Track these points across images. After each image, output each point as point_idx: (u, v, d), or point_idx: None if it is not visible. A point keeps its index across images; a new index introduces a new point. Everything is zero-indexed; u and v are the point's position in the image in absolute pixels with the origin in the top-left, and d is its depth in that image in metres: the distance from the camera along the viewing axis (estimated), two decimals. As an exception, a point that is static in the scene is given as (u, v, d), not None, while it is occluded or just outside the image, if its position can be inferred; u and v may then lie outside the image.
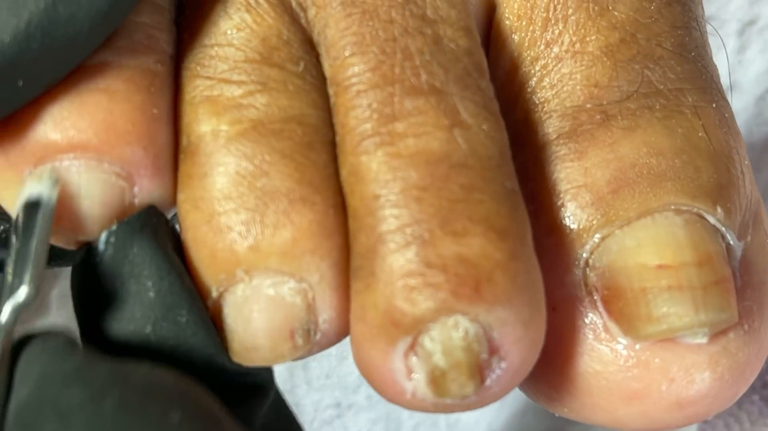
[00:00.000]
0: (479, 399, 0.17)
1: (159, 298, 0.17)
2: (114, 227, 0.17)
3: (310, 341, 0.18)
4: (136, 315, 0.17)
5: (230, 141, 0.17)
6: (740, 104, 0.30)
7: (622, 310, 0.18)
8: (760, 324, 0.18)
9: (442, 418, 0.34)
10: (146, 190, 0.18)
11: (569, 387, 0.18)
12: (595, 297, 0.18)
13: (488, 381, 0.17)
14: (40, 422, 0.14)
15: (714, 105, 0.19)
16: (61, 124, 0.17)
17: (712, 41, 0.28)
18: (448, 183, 0.17)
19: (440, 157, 0.17)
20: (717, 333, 0.18)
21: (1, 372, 0.16)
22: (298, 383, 0.33)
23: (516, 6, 0.19)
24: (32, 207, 0.17)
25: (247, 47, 0.18)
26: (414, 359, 0.17)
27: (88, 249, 0.18)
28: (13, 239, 0.17)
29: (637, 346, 0.18)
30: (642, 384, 0.18)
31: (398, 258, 0.16)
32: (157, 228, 0.18)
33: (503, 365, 0.17)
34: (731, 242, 0.18)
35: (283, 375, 0.31)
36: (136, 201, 0.18)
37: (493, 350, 0.17)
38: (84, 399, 0.14)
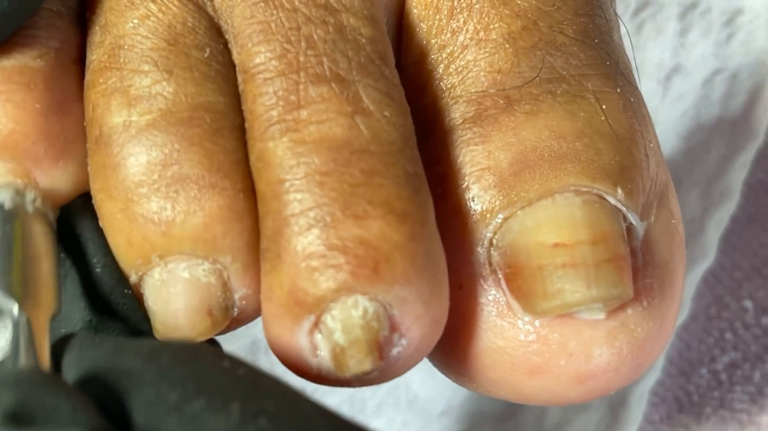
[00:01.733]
0: (381, 373, 0.18)
1: (105, 273, 0.19)
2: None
3: (228, 317, 0.19)
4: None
5: (141, 131, 0.18)
6: (687, 86, 0.30)
7: (521, 287, 0.18)
8: (660, 301, 0.19)
9: (402, 396, 0.35)
10: (47, 181, 0.18)
11: (476, 363, 0.19)
12: (498, 276, 0.18)
13: (391, 357, 0.17)
14: (105, 380, 0.15)
15: (618, 90, 0.19)
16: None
17: (652, 24, 0.28)
18: (350, 168, 0.17)
19: (342, 143, 0.17)
20: (615, 310, 0.18)
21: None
22: (263, 368, 0.33)
23: None
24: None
25: (154, 36, 0.19)
26: (318, 336, 0.17)
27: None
28: None
29: (537, 322, 0.18)
30: (542, 358, 0.18)
31: (301, 240, 0.17)
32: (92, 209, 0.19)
33: (404, 341, 0.18)
34: (633, 222, 0.19)
35: (247, 360, 0.31)
36: (40, 193, 0.18)
37: (393, 327, 0.17)
38: (143, 361, 0.15)
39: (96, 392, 0.15)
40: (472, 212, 0.19)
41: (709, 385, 0.36)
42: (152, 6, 0.19)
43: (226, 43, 0.19)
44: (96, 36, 0.19)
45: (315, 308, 0.17)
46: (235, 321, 0.19)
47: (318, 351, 0.17)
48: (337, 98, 0.18)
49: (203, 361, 0.15)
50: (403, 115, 0.18)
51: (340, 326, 0.17)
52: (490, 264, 0.18)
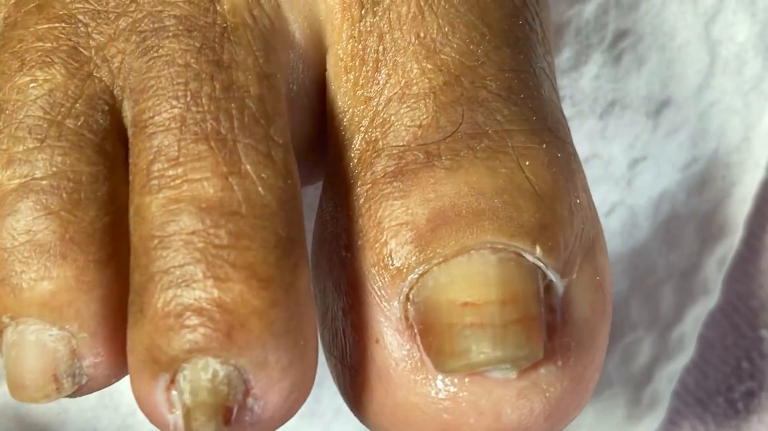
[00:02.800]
0: None
1: None
2: None
3: (75, 383, 0.19)
4: None
5: (6, 195, 0.18)
6: (680, 120, 0.29)
7: (432, 344, 0.18)
8: (577, 359, 0.19)
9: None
10: None
11: (391, 417, 0.19)
12: (414, 331, 0.18)
13: (245, 422, 0.18)
14: None
15: (544, 146, 0.19)
16: None
17: (634, 54, 0.27)
18: (218, 229, 0.17)
19: (214, 204, 0.18)
20: (527, 369, 0.18)
21: None
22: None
23: (349, 47, 0.20)
24: None
25: (33, 103, 0.19)
26: (174, 394, 0.18)
27: None
28: None
29: (448, 380, 0.18)
30: (453, 416, 0.18)
31: (162, 297, 0.17)
32: None
33: (259, 407, 0.18)
34: (553, 279, 0.18)
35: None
36: None
37: (248, 392, 0.17)
38: None
39: None
40: (390, 266, 0.18)
41: (725, 414, 0.36)
42: (38, 73, 0.19)
43: (108, 111, 0.19)
44: None
45: (169, 367, 0.17)
46: (86, 388, 0.19)
47: (174, 410, 0.18)
48: (214, 157, 0.18)
49: None
50: (283, 177, 0.18)
51: (189, 387, 0.17)
52: (407, 319, 0.18)
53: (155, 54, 0.19)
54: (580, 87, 0.27)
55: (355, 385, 0.19)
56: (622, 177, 0.30)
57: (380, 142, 0.19)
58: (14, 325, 0.18)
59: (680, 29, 0.28)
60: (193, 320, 0.17)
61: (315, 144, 0.21)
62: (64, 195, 0.18)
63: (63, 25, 0.19)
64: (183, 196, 0.18)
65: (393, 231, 0.18)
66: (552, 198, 0.18)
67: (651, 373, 0.32)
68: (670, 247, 0.31)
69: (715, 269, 0.32)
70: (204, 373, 0.17)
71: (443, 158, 0.18)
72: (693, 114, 0.29)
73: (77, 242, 0.18)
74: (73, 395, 0.19)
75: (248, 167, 0.18)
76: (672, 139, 0.29)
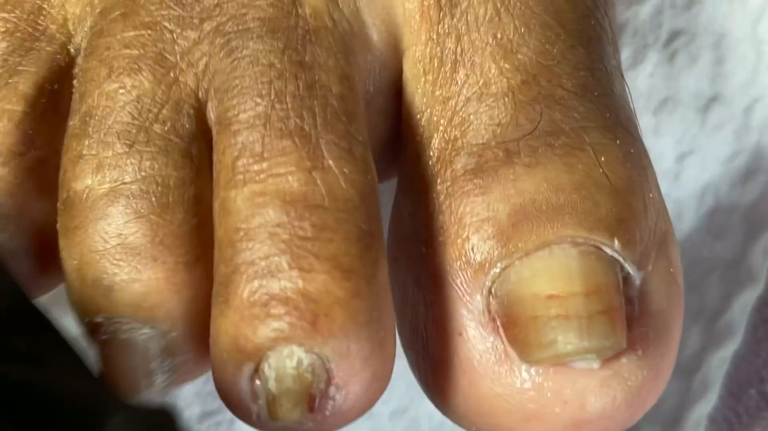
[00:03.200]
0: (317, 425, 0.18)
1: None
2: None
3: (168, 379, 0.19)
4: None
5: (97, 200, 0.19)
6: (726, 115, 0.30)
7: (517, 336, 0.18)
8: (655, 349, 0.19)
9: (423, 418, 0.35)
10: None
11: (475, 408, 0.19)
12: (497, 324, 0.19)
13: (327, 409, 0.18)
14: None
15: (618, 142, 0.19)
16: None
17: (687, 53, 0.28)
18: (302, 221, 0.18)
19: (297, 197, 0.18)
20: (610, 359, 0.18)
21: None
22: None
23: (428, 49, 0.20)
24: None
25: (121, 109, 0.19)
26: (258, 383, 0.18)
27: None
28: None
29: (533, 370, 0.18)
30: (538, 405, 0.18)
31: (248, 287, 0.18)
32: None
33: (340, 396, 0.18)
34: (630, 272, 0.19)
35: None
36: None
37: (330, 380, 0.18)
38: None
39: None
40: (472, 261, 0.19)
41: (758, 406, 0.36)
42: (126, 80, 0.19)
43: (194, 115, 0.19)
44: (75, 103, 0.20)
45: (254, 356, 0.18)
46: (176, 382, 0.20)
47: (258, 399, 0.18)
48: (298, 152, 0.18)
49: None
50: (363, 172, 0.19)
51: (274, 375, 0.18)
52: (489, 312, 0.19)
53: (240, 54, 0.19)
54: (636, 85, 0.27)
55: (437, 378, 0.20)
56: (670, 171, 0.30)
57: (460, 141, 0.19)
58: (107, 325, 0.19)
59: (730, 29, 0.28)
60: (279, 309, 0.17)
61: (388, 145, 0.21)
62: (153, 199, 0.19)
63: (149, 32, 0.20)
64: (268, 190, 0.18)
65: (474, 227, 0.19)
66: (627, 192, 0.19)
67: (700, 361, 0.32)
68: (714, 238, 0.32)
69: (761, 258, 0.32)
70: (289, 361, 0.17)
71: (522, 155, 0.19)
72: (738, 109, 0.30)
73: (167, 245, 0.19)
74: (167, 390, 0.20)
75: (331, 162, 0.18)
76: (717, 133, 0.30)
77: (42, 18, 0.21)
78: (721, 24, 0.28)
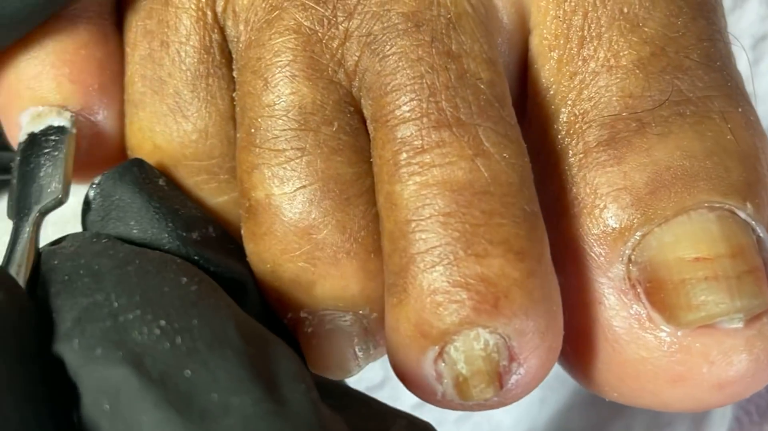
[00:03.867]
0: (501, 400, 0.19)
1: (141, 233, 0.20)
2: (98, 179, 0.20)
3: (370, 356, 0.20)
4: (125, 251, 0.19)
5: (281, 205, 0.19)
6: (759, 113, 0.31)
7: (664, 300, 0.18)
8: None
9: (484, 422, 0.35)
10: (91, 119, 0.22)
11: (618, 373, 0.19)
12: (638, 290, 0.19)
13: (509, 384, 0.18)
14: (78, 278, 0.16)
15: (740, 109, 0.20)
16: (63, 89, 0.21)
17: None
18: (471, 209, 0.18)
19: (464, 185, 0.18)
20: (752, 318, 0.18)
21: (28, 250, 0.19)
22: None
23: (553, 27, 0.20)
24: (58, 131, 0.20)
25: (286, 116, 0.20)
26: (442, 365, 0.18)
27: (85, 199, 0.20)
28: (41, 160, 0.20)
29: (679, 333, 0.18)
30: (685, 367, 0.19)
31: (426, 276, 0.18)
32: (137, 175, 0.20)
33: (522, 370, 0.18)
34: (761, 235, 0.19)
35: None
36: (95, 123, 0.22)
37: (512, 357, 0.18)
38: (112, 265, 0.16)
39: (59, 274, 0.17)
40: (610, 230, 0.19)
41: None
42: (283, 89, 0.20)
43: (354, 111, 0.20)
44: (238, 117, 0.21)
45: (439, 340, 0.18)
46: (377, 356, 0.21)
47: (442, 379, 0.18)
48: (458, 142, 0.18)
49: (161, 276, 0.16)
50: (521, 155, 0.19)
51: (463, 357, 0.18)
52: (630, 279, 0.19)
53: (388, 51, 0.19)
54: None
55: (575, 347, 0.20)
56: None
57: (590, 113, 0.20)
58: (311, 318, 0.20)
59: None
60: (462, 295, 0.18)
61: None
62: (335, 196, 0.19)
63: (295, 36, 0.20)
64: (434, 181, 0.18)
65: (612, 196, 0.19)
66: (754, 158, 0.19)
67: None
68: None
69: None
70: (476, 343, 0.18)
71: (654, 125, 0.19)
72: None
73: (355, 237, 0.19)
74: (367, 364, 0.20)
75: (491, 148, 0.19)
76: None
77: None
78: (765, 26, 0.29)
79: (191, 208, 0.21)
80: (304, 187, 0.19)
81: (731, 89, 0.20)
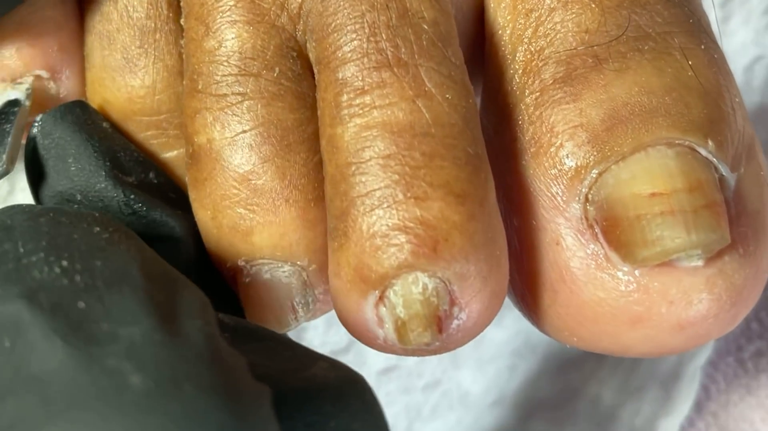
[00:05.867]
0: (443, 345, 0.18)
1: (79, 171, 0.20)
2: (39, 117, 0.20)
3: (310, 310, 0.20)
4: (64, 185, 0.20)
5: (221, 150, 0.19)
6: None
7: (620, 238, 0.18)
8: (755, 248, 0.18)
9: (454, 396, 0.34)
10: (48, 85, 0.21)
11: (576, 316, 0.18)
12: (595, 230, 0.18)
13: (451, 329, 0.18)
14: None
15: (702, 47, 0.19)
16: (23, 53, 0.21)
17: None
18: (412, 151, 0.17)
19: (404, 127, 0.17)
20: (713, 257, 0.18)
21: None
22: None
23: None
24: (12, 104, 0.21)
25: (227, 62, 0.19)
26: (383, 310, 0.18)
27: (26, 137, 0.21)
28: None
29: (637, 272, 0.18)
30: (643, 307, 0.18)
31: (366, 220, 0.17)
32: (79, 115, 0.20)
33: (463, 315, 0.18)
34: (724, 173, 0.18)
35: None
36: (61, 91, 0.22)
37: (453, 302, 0.17)
38: (24, 218, 0.16)
39: None
40: (566, 169, 0.18)
41: (735, 373, 0.36)
42: (225, 34, 0.19)
43: (297, 56, 0.19)
44: (184, 63, 0.20)
45: (379, 284, 0.17)
46: (318, 311, 0.20)
47: (383, 323, 0.18)
48: (398, 82, 0.18)
49: (73, 226, 0.16)
50: (465, 96, 0.18)
51: (402, 301, 0.17)
52: (587, 218, 0.18)
53: None
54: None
55: (533, 291, 0.19)
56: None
57: (546, 50, 0.19)
58: (248, 267, 0.19)
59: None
60: (400, 238, 0.17)
61: (468, 67, 0.20)
62: (275, 142, 0.19)
63: None
64: (374, 123, 0.18)
65: (568, 134, 0.18)
66: (716, 95, 0.18)
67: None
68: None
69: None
70: (415, 287, 0.17)
71: (611, 61, 0.18)
72: (740, 68, 0.30)
73: (295, 184, 0.19)
74: (308, 320, 0.20)
75: (432, 89, 0.18)
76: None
77: None
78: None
79: (135, 153, 0.21)
80: (244, 131, 0.19)
81: (693, 26, 0.19)
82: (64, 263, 0.15)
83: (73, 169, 0.20)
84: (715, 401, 0.35)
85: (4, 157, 0.20)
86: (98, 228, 0.16)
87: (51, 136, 0.20)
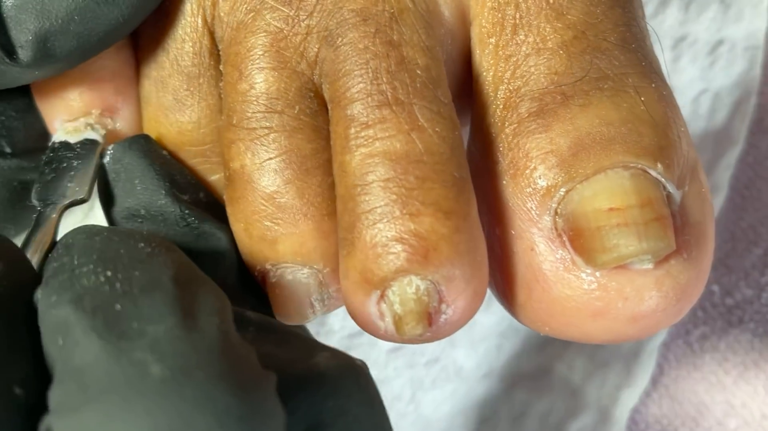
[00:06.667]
0: (433, 334, 0.18)
1: (143, 190, 0.20)
2: (111, 147, 0.21)
3: (326, 305, 0.20)
4: (130, 202, 0.20)
5: (252, 174, 0.19)
6: (678, 103, 0.30)
7: (584, 246, 0.17)
8: (697, 253, 0.18)
9: (451, 369, 0.34)
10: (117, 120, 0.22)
11: (549, 310, 0.18)
12: (563, 238, 0.18)
13: (440, 322, 0.18)
14: (55, 251, 0.17)
15: (653, 85, 0.19)
16: (84, 96, 0.21)
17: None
18: (407, 175, 0.18)
19: (401, 155, 0.18)
20: (661, 261, 0.18)
21: (47, 235, 0.19)
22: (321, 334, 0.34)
23: (490, 17, 0.19)
24: (91, 143, 0.21)
25: (256, 101, 0.19)
26: (383, 306, 0.18)
27: (100, 163, 0.21)
28: (74, 163, 0.21)
29: (598, 273, 0.18)
30: (603, 303, 0.18)
31: (369, 232, 0.17)
32: (143, 145, 0.21)
33: (450, 310, 0.18)
34: (671, 191, 0.18)
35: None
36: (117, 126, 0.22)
37: (441, 299, 0.18)
38: (83, 238, 0.16)
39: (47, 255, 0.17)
40: (539, 188, 0.18)
41: (684, 353, 0.36)
42: (254, 78, 0.19)
43: (314, 96, 0.19)
44: (223, 102, 0.20)
45: (380, 285, 0.17)
46: (332, 306, 0.20)
47: (385, 317, 0.18)
48: (396, 118, 0.18)
49: (122, 242, 0.16)
50: (452, 129, 0.18)
51: (398, 299, 0.17)
52: (556, 229, 0.18)
53: (341, 42, 0.19)
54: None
55: (512, 289, 0.19)
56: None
57: (522, 89, 0.19)
58: (274, 270, 0.20)
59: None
60: (397, 248, 0.17)
61: (459, 102, 0.20)
62: (296, 167, 0.19)
63: (264, 34, 0.19)
64: (376, 152, 0.18)
65: (540, 158, 0.18)
66: (665, 126, 0.18)
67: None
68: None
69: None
70: (409, 288, 0.17)
71: (576, 98, 0.18)
72: (688, 99, 0.30)
73: (312, 202, 0.19)
74: (324, 314, 0.20)
75: (425, 124, 0.18)
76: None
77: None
78: (683, 29, 0.28)
79: (188, 176, 0.21)
80: (270, 158, 0.19)
81: (645, 68, 0.19)
82: (108, 273, 0.15)
83: (138, 188, 0.20)
84: (667, 376, 0.35)
85: (87, 188, 0.20)
86: (142, 244, 0.16)
87: (120, 162, 0.20)
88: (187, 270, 0.16)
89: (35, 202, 0.20)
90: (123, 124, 0.22)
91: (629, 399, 0.33)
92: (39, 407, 0.14)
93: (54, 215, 0.20)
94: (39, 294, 0.15)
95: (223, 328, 0.14)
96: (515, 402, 0.34)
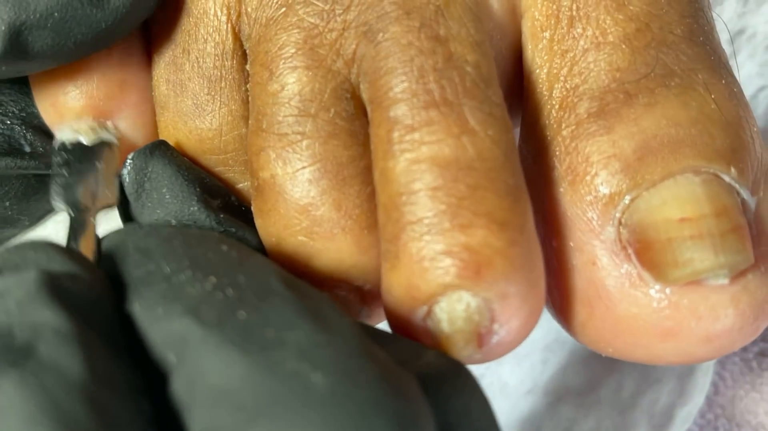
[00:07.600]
0: (484, 356, 0.17)
1: (173, 198, 0.19)
2: (130, 156, 0.19)
3: (367, 321, 0.19)
4: (158, 214, 0.19)
5: (283, 184, 0.18)
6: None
7: (653, 259, 0.16)
8: None
9: (495, 387, 0.33)
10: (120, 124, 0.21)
11: (613, 329, 0.17)
12: (629, 251, 0.16)
13: (491, 343, 0.16)
14: (128, 257, 0.15)
15: (723, 81, 0.17)
16: (86, 95, 0.20)
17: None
18: (457, 183, 0.16)
19: (450, 161, 0.16)
20: (737, 275, 0.16)
21: (90, 241, 0.18)
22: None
23: (544, 9, 0.18)
24: (108, 146, 0.20)
25: (288, 104, 0.18)
26: (430, 323, 0.16)
27: (120, 175, 0.20)
28: (96, 165, 0.20)
29: (668, 290, 0.16)
30: (674, 322, 0.16)
31: (415, 245, 0.16)
32: (164, 151, 0.19)
33: (503, 331, 0.16)
34: (745, 197, 0.17)
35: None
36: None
37: (494, 319, 0.16)
38: (158, 242, 0.15)
39: (113, 261, 0.16)
40: (601, 196, 0.17)
41: (741, 371, 0.35)
42: (286, 78, 0.18)
43: (350, 97, 0.18)
44: (250, 105, 0.19)
45: (427, 301, 0.16)
46: (373, 321, 0.19)
47: (430, 336, 0.17)
48: (445, 120, 0.16)
49: (204, 245, 0.15)
50: (505, 131, 0.17)
51: (446, 317, 0.16)
52: (621, 241, 0.17)
53: (382, 38, 0.17)
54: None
55: (571, 306, 0.17)
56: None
57: (581, 87, 0.17)
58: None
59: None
60: (446, 261, 0.16)
61: (508, 102, 0.19)
62: (331, 177, 0.17)
63: (297, 30, 0.18)
64: (423, 157, 0.16)
65: (602, 164, 0.17)
66: (737, 126, 0.17)
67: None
68: None
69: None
70: (459, 305, 0.16)
71: (641, 96, 0.17)
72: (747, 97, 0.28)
73: (350, 215, 0.18)
74: None
75: (476, 126, 0.16)
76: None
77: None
78: (741, 22, 0.26)
79: (214, 180, 0.20)
80: (303, 167, 0.17)
81: (714, 62, 0.17)
82: (213, 279, 0.14)
83: (167, 197, 0.19)
84: (723, 395, 0.34)
85: (116, 191, 0.19)
86: (226, 247, 0.15)
87: (144, 171, 0.19)
88: (284, 272, 0.15)
89: (62, 205, 0.19)
90: (126, 124, 0.21)
91: (682, 420, 0.32)
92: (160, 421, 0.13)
93: (93, 220, 0.19)
94: (137, 307, 0.14)
95: (355, 329, 0.14)
96: (560, 419, 0.33)
